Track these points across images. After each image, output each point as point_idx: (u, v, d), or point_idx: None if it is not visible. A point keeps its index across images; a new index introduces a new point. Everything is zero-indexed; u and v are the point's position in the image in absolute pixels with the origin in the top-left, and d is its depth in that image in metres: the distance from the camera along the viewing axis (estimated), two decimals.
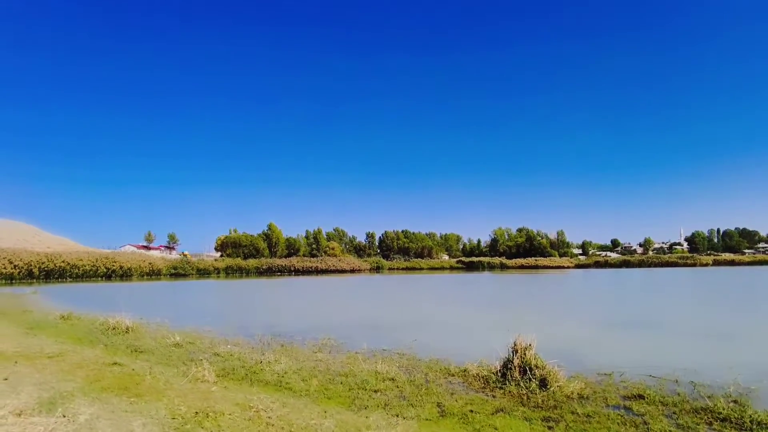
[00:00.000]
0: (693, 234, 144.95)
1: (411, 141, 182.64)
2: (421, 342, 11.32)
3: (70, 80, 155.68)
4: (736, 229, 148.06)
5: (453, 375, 8.10)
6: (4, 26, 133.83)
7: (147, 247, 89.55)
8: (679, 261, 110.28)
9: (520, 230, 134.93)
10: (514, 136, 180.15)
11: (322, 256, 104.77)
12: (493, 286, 43.67)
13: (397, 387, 7.28)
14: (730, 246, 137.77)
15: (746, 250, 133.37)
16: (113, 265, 54.62)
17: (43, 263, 47.01)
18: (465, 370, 8.12)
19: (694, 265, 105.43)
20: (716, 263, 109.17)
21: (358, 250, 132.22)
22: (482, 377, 7.69)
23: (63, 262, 48.79)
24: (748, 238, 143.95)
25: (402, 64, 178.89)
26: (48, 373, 7.86)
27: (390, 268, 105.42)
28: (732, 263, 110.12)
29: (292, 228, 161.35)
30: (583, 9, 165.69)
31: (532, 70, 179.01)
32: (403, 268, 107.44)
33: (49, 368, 8.22)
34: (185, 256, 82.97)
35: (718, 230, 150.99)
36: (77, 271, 50.16)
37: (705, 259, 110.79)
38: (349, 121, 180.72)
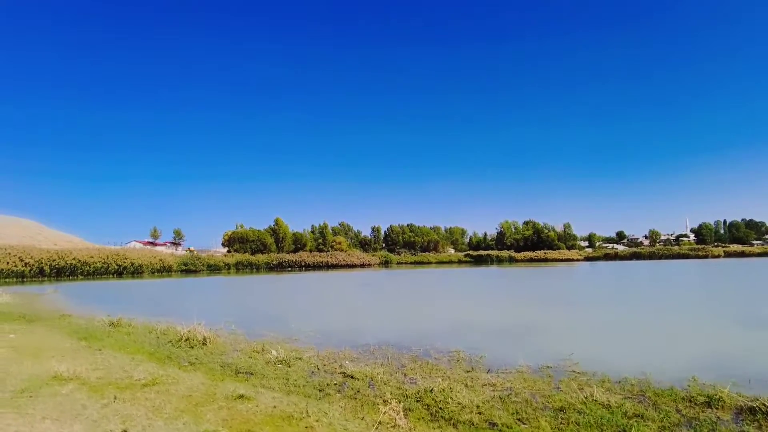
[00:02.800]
0: (700, 225, 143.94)
1: (412, 135, 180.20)
2: (581, 355, 9.34)
3: (71, 76, 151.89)
4: (742, 220, 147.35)
5: (700, 406, 6.15)
6: (8, 22, 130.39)
7: (153, 243, 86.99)
8: (691, 253, 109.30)
9: (526, 223, 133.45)
10: (514, 130, 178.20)
11: (328, 250, 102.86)
12: (529, 280, 41.79)
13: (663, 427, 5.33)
14: (737, 237, 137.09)
15: (754, 241, 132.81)
16: (124, 262, 52.30)
17: (53, 260, 44.63)
18: (718, 399, 6.16)
19: (705, 256, 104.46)
20: (727, 255, 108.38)
21: (364, 245, 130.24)
22: (757, 409, 5.74)
23: (74, 259, 46.40)
24: (755, 229, 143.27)
25: (405, 59, 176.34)
26: (167, 414, 5.83)
27: (398, 263, 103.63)
28: (742, 255, 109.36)
29: (296, 222, 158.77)
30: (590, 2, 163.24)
31: (533, 63, 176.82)
32: (411, 262, 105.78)
33: (162, 405, 6.19)
34: (191, 251, 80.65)
35: (725, 221, 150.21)
36: (88, 268, 47.79)
37: (716, 250, 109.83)
38: (351, 117, 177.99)
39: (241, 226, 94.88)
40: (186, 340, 11.27)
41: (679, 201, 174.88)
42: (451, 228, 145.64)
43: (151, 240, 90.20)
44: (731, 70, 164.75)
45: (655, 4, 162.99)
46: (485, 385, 7.47)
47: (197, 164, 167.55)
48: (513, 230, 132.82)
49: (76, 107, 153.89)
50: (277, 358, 9.39)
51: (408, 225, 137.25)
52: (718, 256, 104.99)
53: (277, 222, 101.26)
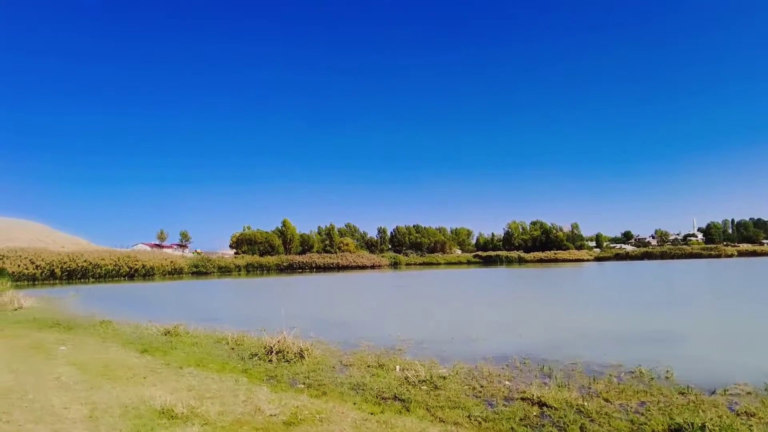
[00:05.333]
0: (708, 225, 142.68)
1: (416, 137, 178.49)
2: None
3: (74, 80, 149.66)
4: (750, 219, 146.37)
5: None
6: (8, 28, 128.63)
7: (159, 246, 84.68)
8: (703, 252, 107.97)
9: (534, 223, 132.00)
10: (516, 131, 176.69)
11: (335, 251, 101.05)
12: (568, 280, 39.92)
13: None
14: (746, 237, 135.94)
15: (764, 240, 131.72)
16: (135, 264, 50.14)
17: (65, 263, 42.44)
18: None
19: (718, 256, 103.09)
20: (739, 254, 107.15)
21: (370, 246, 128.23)
22: None
23: (85, 261, 44.21)
24: (763, 228, 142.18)
25: (408, 61, 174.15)
26: None
27: (407, 264, 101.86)
28: (754, 254, 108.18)
29: (302, 224, 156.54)
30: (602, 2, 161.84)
31: (536, 64, 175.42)
32: (420, 263, 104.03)
33: None
34: (199, 253, 78.52)
35: (732, 221, 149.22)
36: (99, 270, 45.59)
37: (729, 250, 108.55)
38: (354, 118, 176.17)
39: (248, 228, 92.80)
40: (278, 352, 9.27)
41: (684, 201, 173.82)
42: (456, 229, 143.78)
43: (157, 242, 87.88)
44: (733, 70, 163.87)
45: (661, 4, 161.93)
46: (743, 414, 5.56)
47: (202, 167, 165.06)
48: (521, 231, 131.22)
49: (85, 112, 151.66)
50: (417, 376, 7.43)
51: (414, 226, 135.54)
52: (731, 256, 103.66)
53: (284, 223, 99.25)
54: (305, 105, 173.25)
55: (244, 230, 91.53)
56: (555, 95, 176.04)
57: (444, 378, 7.47)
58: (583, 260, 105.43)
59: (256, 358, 9.36)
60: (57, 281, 41.29)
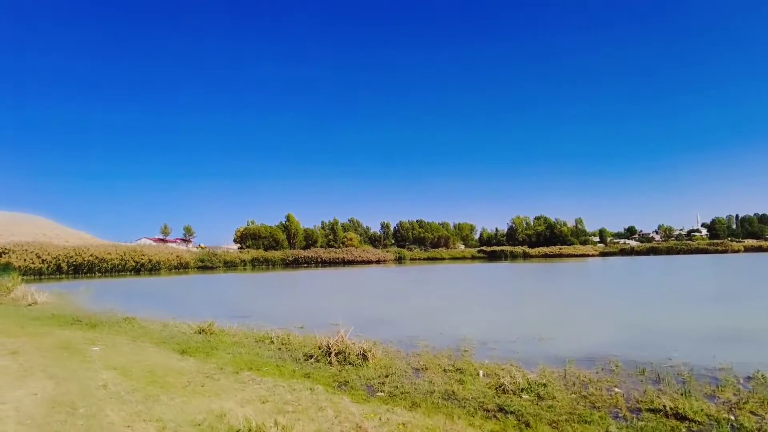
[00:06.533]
0: (713, 220, 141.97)
1: (418, 132, 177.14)
2: None
3: (77, 77, 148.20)
4: (755, 214, 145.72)
5: None
6: (19, 25, 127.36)
7: (163, 240, 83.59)
8: (709, 248, 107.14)
9: (538, 218, 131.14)
10: (518, 127, 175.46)
11: (339, 246, 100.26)
12: (593, 275, 39.04)
13: None
14: (751, 232, 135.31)
15: None
16: (141, 259, 49.14)
17: (71, 257, 41.44)
18: None
19: (725, 251, 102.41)
20: (745, 249, 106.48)
21: (373, 241, 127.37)
22: None
23: (91, 255, 43.20)
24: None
25: (412, 57, 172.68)
26: None
27: (411, 259, 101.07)
28: (760, 249, 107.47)
29: (305, 219, 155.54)
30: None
31: (540, 60, 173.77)
32: (424, 258, 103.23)
33: None
34: (203, 248, 77.54)
35: (737, 216, 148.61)
36: (105, 265, 44.60)
37: (736, 245, 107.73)
38: (358, 114, 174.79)
39: (252, 223, 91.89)
40: (337, 353, 8.34)
41: (687, 196, 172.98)
42: (459, 224, 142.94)
43: (161, 237, 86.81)
44: (737, 67, 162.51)
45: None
46: None
47: (205, 162, 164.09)
48: (524, 226, 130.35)
49: (85, 107, 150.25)
50: (514, 384, 6.50)
51: (417, 221, 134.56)
52: (738, 251, 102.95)
53: (288, 218, 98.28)
54: (309, 101, 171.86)
55: (248, 225, 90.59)
56: (558, 91, 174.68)
57: (544, 385, 6.55)
58: (588, 255, 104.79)
59: (312, 359, 8.43)
60: (63, 276, 40.33)
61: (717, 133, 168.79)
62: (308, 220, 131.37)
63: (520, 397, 6.21)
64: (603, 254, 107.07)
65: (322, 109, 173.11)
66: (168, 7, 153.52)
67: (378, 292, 27.61)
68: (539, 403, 5.92)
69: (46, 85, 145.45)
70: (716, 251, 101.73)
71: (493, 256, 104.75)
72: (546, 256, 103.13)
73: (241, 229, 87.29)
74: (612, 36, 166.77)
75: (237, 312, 16.17)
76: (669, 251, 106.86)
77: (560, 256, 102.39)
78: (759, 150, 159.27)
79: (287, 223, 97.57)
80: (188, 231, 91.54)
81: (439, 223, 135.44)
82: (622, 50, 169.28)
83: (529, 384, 6.53)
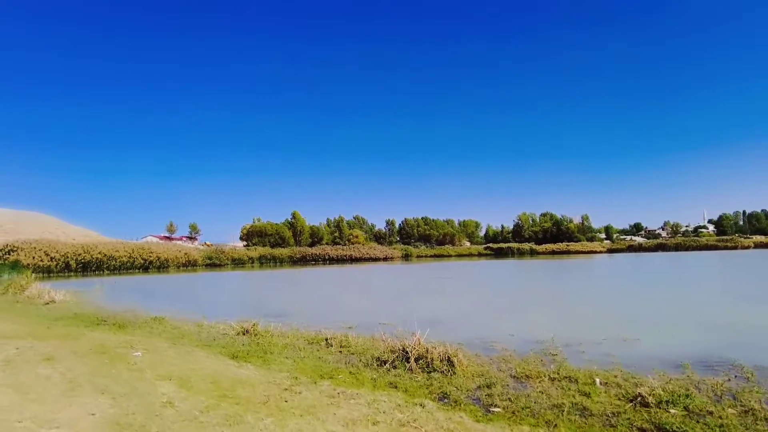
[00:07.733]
0: (720, 217, 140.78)
1: (421, 129, 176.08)
2: None
3: (82, 75, 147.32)
4: (762, 210, 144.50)
5: None
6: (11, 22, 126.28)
7: (169, 238, 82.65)
8: (719, 244, 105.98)
9: (544, 215, 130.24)
10: (521, 124, 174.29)
11: (345, 243, 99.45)
12: (623, 271, 37.96)
13: None
14: (759, 228, 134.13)
15: None
16: (150, 256, 48.20)
17: (79, 255, 40.51)
18: None
19: (735, 247, 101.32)
20: (755, 246, 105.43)
21: (378, 238, 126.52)
22: None
23: (99, 253, 42.28)
24: None
25: (416, 55, 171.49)
26: None
27: (418, 256, 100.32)
28: None
29: (310, 216, 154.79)
30: None
31: (545, 57, 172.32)
32: (431, 256, 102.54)
33: None
34: (209, 245, 76.61)
35: (744, 212, 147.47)
36: (114, 262, 43.68)
37: (746, 241, 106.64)
38: (362, 112, 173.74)
39: (258, 220, 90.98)
40: (417, 359, 7.29)
41: (693, 192, 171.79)
42: (464, 221, 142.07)
43: (167, 234, 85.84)
44: (744, 62, 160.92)
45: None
46: None
47: (211, 159, 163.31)
48: (531, 223, 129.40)
49: (90, 105, 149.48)
50: (654, 395, 5.44)
51: (423, 218, 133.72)
52: (748, 247, 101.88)
53: (294, 215, 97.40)
54: (314, 98, 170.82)
55: (254, 222, 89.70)
56: (564, 88, 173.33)
57: (687, 396, 5.50)
58: (595, 252, 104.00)
59: (387, 365, 7.38)
60: (72, 273, 39.43)
61: (722, 129, 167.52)
62: (313, 218, 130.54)
63: (667, 411, 5.17)
64: (611, 251, 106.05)
65: (326, 106, 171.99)
66: (164, 8, 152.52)
67: (409, 289, 26.20)
68: (699, 420, 4.87)
69: (51, 83, 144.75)
70: (726, 247, 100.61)
71: (499, 253, 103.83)
72: (553, 252, 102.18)
73: (248, 227, 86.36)
74: (617, 33, 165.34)
75: (266, 311, 15.10)
76: (677, 248, 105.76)
77: (568, 252, 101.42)
78: (765, 146, 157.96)
79: (293, 220, 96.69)
80: (194, 228, 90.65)
81: (444, 221, 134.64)
82: (628, 47, 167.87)
83: (672, 395, 5.48)
